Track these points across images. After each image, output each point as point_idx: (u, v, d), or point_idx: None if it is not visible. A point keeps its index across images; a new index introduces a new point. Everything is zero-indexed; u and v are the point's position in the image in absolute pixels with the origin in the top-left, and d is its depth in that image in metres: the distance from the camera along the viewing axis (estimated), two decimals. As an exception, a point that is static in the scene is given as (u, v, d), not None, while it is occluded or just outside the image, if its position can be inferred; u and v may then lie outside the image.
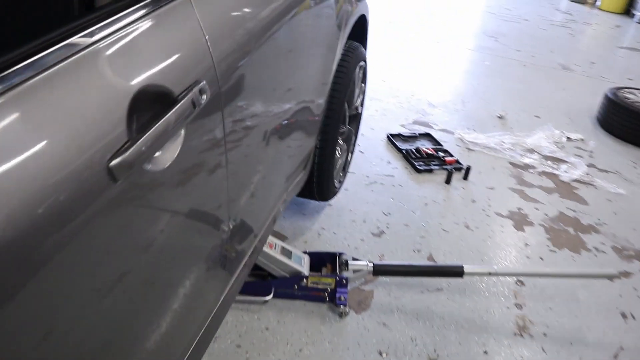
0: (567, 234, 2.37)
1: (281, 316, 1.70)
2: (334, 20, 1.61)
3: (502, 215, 2.46)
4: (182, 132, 0.82)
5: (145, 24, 0.77)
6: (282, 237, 2.08)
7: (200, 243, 1.02)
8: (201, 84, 0.83)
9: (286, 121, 1.37)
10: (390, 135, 3.01)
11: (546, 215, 2.51)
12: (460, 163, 2.80)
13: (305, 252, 1.83)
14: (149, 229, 0.79)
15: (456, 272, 1.78)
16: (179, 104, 0.76)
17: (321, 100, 1.66)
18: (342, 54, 1.80)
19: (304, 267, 1.75)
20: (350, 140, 2.28)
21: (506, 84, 4.32)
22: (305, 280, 1.73)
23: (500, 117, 3.58)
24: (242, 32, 1.01)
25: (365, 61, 2.14)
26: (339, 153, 2.11)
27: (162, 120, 0.72)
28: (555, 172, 2.94)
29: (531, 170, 2.92)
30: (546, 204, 2.60)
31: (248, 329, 1.64)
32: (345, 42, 1.76)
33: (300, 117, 1.50)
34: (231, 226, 1.14)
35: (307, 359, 1.57)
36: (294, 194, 1.76)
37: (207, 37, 0.88)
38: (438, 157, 2.81)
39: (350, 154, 2.37)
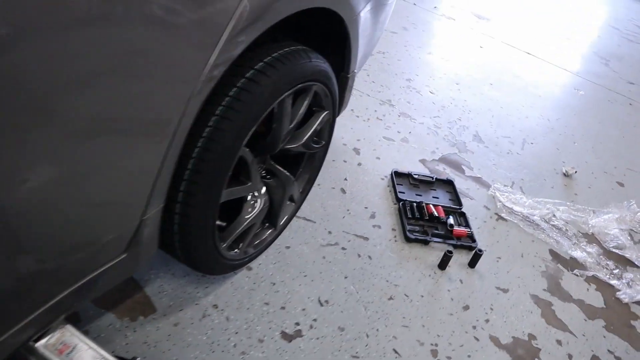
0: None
1: None
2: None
3: (499, 345, 1.64)
4: None
5: None
6: (140, 310, 1.44)
7: None
8: None
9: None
10: (397, 172, 2.23)
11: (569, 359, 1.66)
12: (473, 239, 1.97)
13: (130, 362, 1.17)
14: None
15: None
16: None
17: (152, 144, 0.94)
18: (235, 72, 1.07)
19: (108, 392, 1.10)
20: (290, 187, 1.55)
21: (596, 126, 3.29)
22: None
23: (566, 175, 2.64)
24: None
25: (325, 81, 1.38)
26: (255, 206, 1.41)
27: None
28: (613, 281, 2.03)
29: (577, 272, 2.03)
30: (578, 338, 1.74)
31: None
32: (229, 45, 1.00)
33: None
34: None
35: None
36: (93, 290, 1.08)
37: None
38: (444, 224, 2.00)
39: (293, 204, 1.65)
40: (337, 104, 1.55)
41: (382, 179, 2.22)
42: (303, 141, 1.46)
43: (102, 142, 0.80)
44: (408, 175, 2.23)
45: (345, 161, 2.27)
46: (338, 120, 2.38)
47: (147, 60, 0.78)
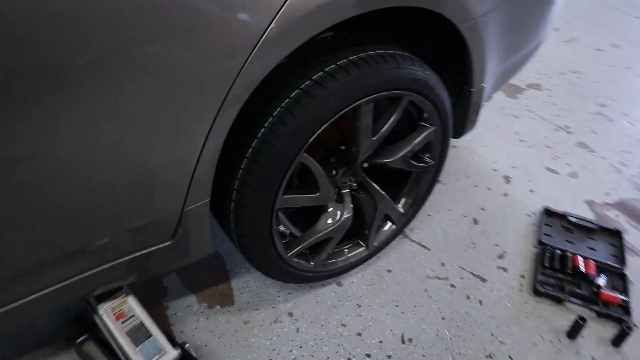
0: None
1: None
2: None
3: None
4: None
5: None
6: (219, 300, 1.48)
7: None
8: None
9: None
10: (549, 210, 1.87)
11: None
12: (627, 311, 1.53)
13: (179, 346, 1.22)
14: None
15: None
16: None
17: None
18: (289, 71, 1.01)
19: (149, 369, 1.16)
20: (383, 205, 1.42)
21: None
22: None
23: None
24: None
25: (424, 92, 1.22)
26: (334, 219, 1.33)
27: None
28: None
29: None
30: None
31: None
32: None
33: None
34: None
35: None
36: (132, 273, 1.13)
37: None
38: (590, 283, 1.60)
39: (392, 225, 1.51)
40: (448, 121, 1.36)
41: (529, 215, 1.89)
42: (397, 157, 1.32)
43: (138, 132, 0.84)
44: (562, 216, 1.85)
45: (489, 189, 2.00)
46: (494, 141, 2.14)
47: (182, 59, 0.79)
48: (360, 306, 1.51)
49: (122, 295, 1.23)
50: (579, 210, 1.93)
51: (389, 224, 1.52)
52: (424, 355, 1.40)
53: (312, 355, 1.37)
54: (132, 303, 1.22)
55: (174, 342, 1.22)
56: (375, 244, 1.50)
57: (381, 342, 1.42)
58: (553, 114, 2.51)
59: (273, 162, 1.06)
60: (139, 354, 1.16)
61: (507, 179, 2.06)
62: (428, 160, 1.44)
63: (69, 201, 0.85)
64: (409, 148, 1.33)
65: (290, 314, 1.47)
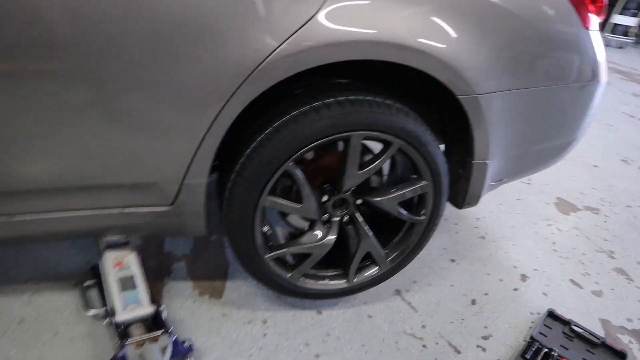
0: None
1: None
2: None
3: None
4: None
5: None
6: (210, 292, 1.67)
7: None
8: None
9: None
10: (553, 314, 1.84)
11: None
12: None
13: (156, 305, 1.43)
14: None
15: None
16: None
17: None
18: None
19: (125, 312, 1.38)
20: (366, 243, 1.56)
21: None
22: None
23: None
24: None
25: (413, 143, 1.40)
26: (316, 237, 1.50)
27: None
28: None
29: None
30: None
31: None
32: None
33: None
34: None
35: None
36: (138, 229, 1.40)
37: None
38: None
39: (375, 267, 1.63)
40: (441, 181, 1.50)
41: (532, 313, 1.87)
42: (384, 198, 1.48)
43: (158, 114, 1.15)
44: (566, 323, 1.81)
45: (501, 280, 2.02)
46: (525, 244, 2.19)
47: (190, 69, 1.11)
48: (329, 335, 1.61)
49: (127, 249, 1.48)
50: (589, 324, 1.87)
51: (375, 267, 1.64)
52: (368, 393, 1.45)
53: (267, 359, 1.49)
54: (131, 258, 1.47)
55: (153, 301, 1.43)
56: (356, 280, 1.62)
57: (334, 369, 1.50)
58: (601, 237, 2.46)
59: (264, 163, 1.29)
60: (120, 297, 1.39)
61: (523, 277, 2.06)
62: (421, 214, 1.57)
63: (106, 142, 1.16)
64: (397, 193, 1.49)
65: (264, 321, 1.62)
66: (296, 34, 1.14)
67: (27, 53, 1.02)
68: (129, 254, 1.48)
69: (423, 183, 1.50)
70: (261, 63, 1.15)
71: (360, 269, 1.64)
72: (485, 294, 1.92)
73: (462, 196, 1.64)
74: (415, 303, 1.80)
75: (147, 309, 1.40)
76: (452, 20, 1.28)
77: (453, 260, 2.08)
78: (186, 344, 1.39)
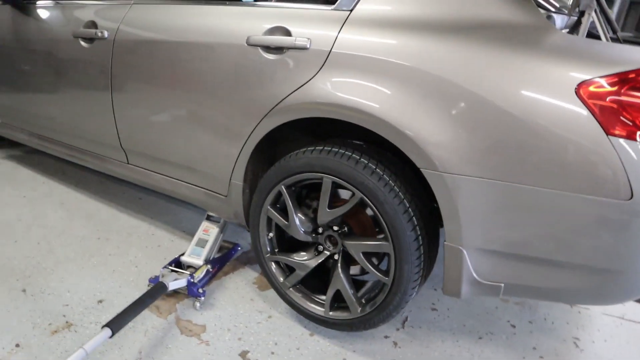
0: None
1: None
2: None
3: None
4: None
5: None
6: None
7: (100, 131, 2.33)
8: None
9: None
10: None
11: None
12: None
13: (209, 264, 2.13)
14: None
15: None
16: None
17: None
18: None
19: (188, 256, 2.15)
20: (337, 281, 1.79)
21: None
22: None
23: None
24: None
25: (372, 200, 1.62)
26: (303, 255, 1.88)
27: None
28: None
29: None
30: None
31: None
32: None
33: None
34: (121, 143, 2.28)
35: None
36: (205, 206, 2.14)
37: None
38: None
39: (348, 314, 1.81)
40: (401, 244, 1.57)
41: None
42: (349, 242, 1.72)
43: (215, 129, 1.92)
44: None
45: None
46: None
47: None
48: (277, 344, 1.88)
49: (216, 225, 2.24)
50: None
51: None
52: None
53: (250, 335, 1.92)
54: (215, 231, 2.22)
55: (208, 262, 2.14)
56: (331, 314, 1.84)
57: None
58: None
59: (267, 181, 1.83)
60: (192, 247, 2.17)
61: None
62: (384, 274, 1.69)
63: (194, 141, 2.01)
64: (360, 242, 1.70)
65: (270, 317, 2.04)
66: (293, 93, 1.68)
67: (165, 83, 2.01)
68: (215, 227, 2.24)
69: (385, 244, 1.65)
70: (276, 105, 1.74)
71: (338, 308, 1.85)
72: None
73: (445, 279, 1.63)
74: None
75: (197, 262, 2.12)
76: (416, 95, 1.47)
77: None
78: (201, 291, 2.02)
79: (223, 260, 2.29)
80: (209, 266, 2.13)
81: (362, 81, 1.56)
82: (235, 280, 2.26)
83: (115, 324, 1.65)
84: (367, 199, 1.62)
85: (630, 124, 1.32)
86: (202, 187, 2.13)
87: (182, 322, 1.95)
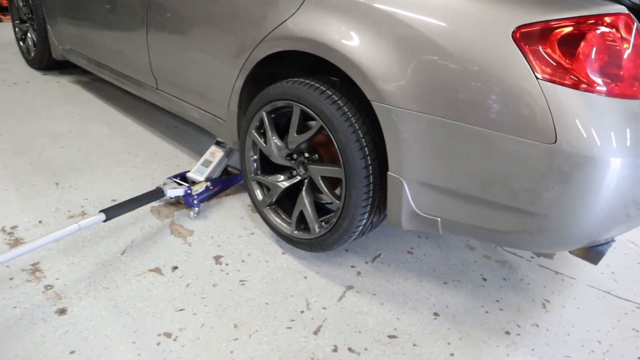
0: None
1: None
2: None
3: None
4: None
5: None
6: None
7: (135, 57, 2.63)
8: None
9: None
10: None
11: None
12: None
13: (210, 182, 2.40)
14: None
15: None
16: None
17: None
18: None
19: (192, 173, 2.43)
20: (309, 196, 1.98)
21: None
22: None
23: None
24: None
25: (327, 124, 1.77)
26: (276, 178, 2.08)
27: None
28: None
29: None
30: None
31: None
32: None
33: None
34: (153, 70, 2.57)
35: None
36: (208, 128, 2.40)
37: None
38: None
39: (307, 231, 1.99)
40: (350, 170, 1.68)
41: None
42: (311, 167, 1.89)
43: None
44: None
45: None
46: None
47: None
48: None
49: (222, 150, 2.49)
50: None
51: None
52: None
53: (232, 252, 2.18)
54: (220, 154, 2.47)
55: (209, 180, 2.40)
56: (296, 233, 2.04)
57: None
58: None
59: (252, 107, 2.03)
60: (197, 166, 2.44)
61: None
62: (337, 198, 1.85)
63: (196, 65, 2.25)
64: (319, 167, 1.87)
65: (252, 231, 2.27)
66: (278, 27, 1.86)
67: (183, 18, 2.26)
68: (221, 152, 2.49)
69: (336, 167, 1.80)
70: (266, 36, 1.92)
71: (303, 229, 2.04)
72: None
73: (385, 208, 1.76)
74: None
75: (199, 178, 2.39)
76: (370, 32, 1.60)
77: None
78: (195, 202, 2.29)
79: (226, 183, 2.54)
80: (208, 183, 2.39)
81: (329, 19, 1.70)
82: (233, 201, 2.51)
83: (110, 212, 1.96)
84: (325, 126, 1.77)
85: (561, 69, 1.35)
86: (209, 112, 2.38)
87: (175, 225, 2.24)
